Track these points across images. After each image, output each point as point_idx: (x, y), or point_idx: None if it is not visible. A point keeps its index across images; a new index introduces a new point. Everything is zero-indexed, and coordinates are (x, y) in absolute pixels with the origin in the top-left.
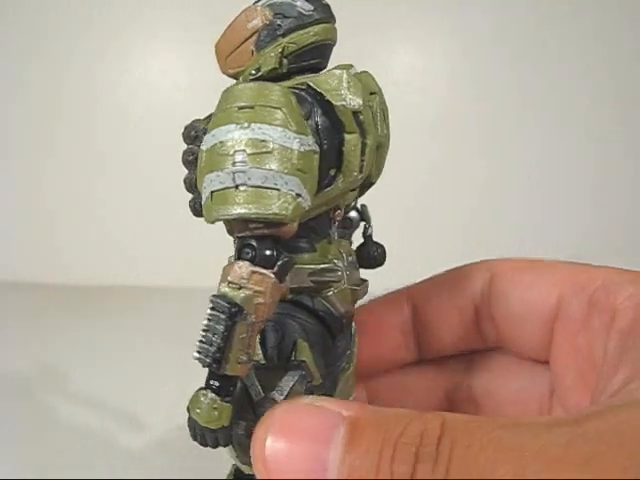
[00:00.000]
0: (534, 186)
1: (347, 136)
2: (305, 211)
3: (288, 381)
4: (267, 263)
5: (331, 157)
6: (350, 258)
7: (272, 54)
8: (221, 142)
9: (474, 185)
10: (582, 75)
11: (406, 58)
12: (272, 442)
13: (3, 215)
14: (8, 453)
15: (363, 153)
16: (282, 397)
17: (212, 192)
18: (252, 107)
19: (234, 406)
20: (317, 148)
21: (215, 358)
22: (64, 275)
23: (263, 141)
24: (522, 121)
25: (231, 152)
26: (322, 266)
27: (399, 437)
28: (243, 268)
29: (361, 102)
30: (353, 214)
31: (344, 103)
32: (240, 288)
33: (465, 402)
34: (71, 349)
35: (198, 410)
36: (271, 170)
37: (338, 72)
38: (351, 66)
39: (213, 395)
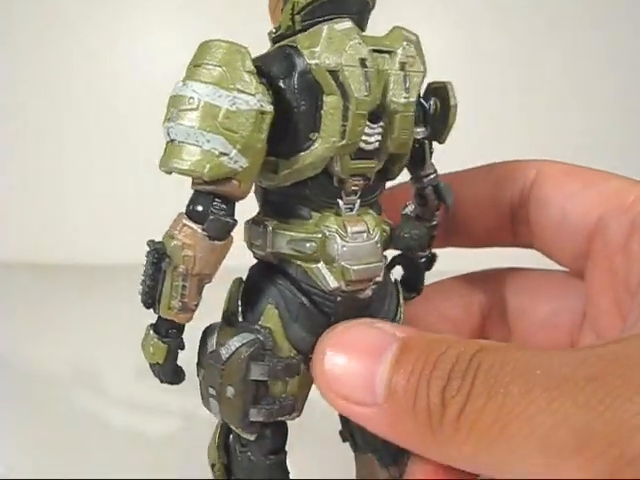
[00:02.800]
0: None
1: (326, 98)
2: (237, 171)
3: (237, 341)
4: (197, 218)
5: (310, 119)
6: (368, 234)
7: (286, 12)
8: (170, 97)
9: None
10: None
11: None
12: (331, 355)
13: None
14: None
15: (345, 118)
16: (226, 355)
17: (166, 143)
18: (199, 65)
19: (173, 348)
20: (268, 108)
21: (144, 298)
22: (61, 254)
23: (191, 98)
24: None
25: (170, 108)
26: (302, 235)
27: (439, 357)
28: (179, 220)
29: (339, 61)
30: (430, 190)
31: (317, 62)
32: (172, 238)
33: (499, 325)
34: (70, 328)
35: (143, 344)
36: (192, 127)
37: (322, 27)
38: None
39: (152, 333)
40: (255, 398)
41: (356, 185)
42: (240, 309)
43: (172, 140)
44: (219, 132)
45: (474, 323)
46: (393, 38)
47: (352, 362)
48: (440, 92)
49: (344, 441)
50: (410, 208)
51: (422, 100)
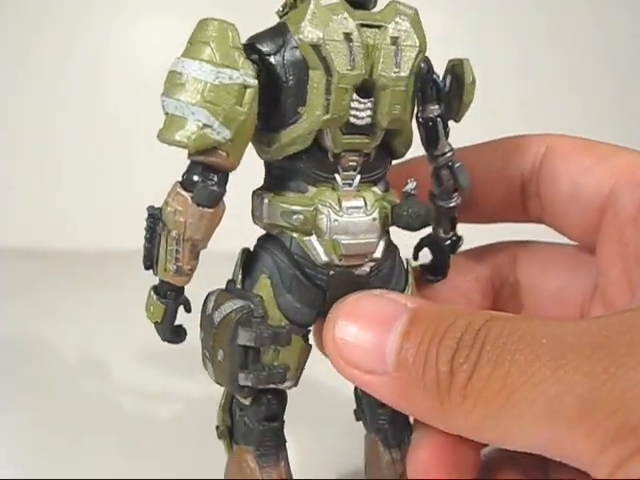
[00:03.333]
0: None
1: (311, 72)
2: (220, 142)
3: (229, 307)
4: (189, 187)
5: (298, 94)
6: (365, 210)
7: None
8: (167, 72)
9: None
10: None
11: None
12: (342, 325)
13: None
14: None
15: (328, 92)
16: (218, 319)
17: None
18: (191, 42)
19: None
20: (251, 82)
21: (144, 261)
22: (59, 240)
23: (180, 74)
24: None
25: (165, 83)
26: (294, 207)
27: (448, 327)
28: (174, 188)
29: (320, 35)
30: (446, 171)
31: (301, 36)
32: (167, 205)
33: (510, 299)
34: (68, 314)
35: (146, 304)
36: (179, 100)
37: (310, 2)
38: None
39: (153, 294)
40: (244, 363)
41: (353, 161)
42: (240, 277)
43: (166, 113)
44: (203, 105)
45: (486, 297)
46: (386, 13)
47: (363, 331)
48: (456, 69)
49: (357, 420)
50: (411, 185)
51: (435, 77)
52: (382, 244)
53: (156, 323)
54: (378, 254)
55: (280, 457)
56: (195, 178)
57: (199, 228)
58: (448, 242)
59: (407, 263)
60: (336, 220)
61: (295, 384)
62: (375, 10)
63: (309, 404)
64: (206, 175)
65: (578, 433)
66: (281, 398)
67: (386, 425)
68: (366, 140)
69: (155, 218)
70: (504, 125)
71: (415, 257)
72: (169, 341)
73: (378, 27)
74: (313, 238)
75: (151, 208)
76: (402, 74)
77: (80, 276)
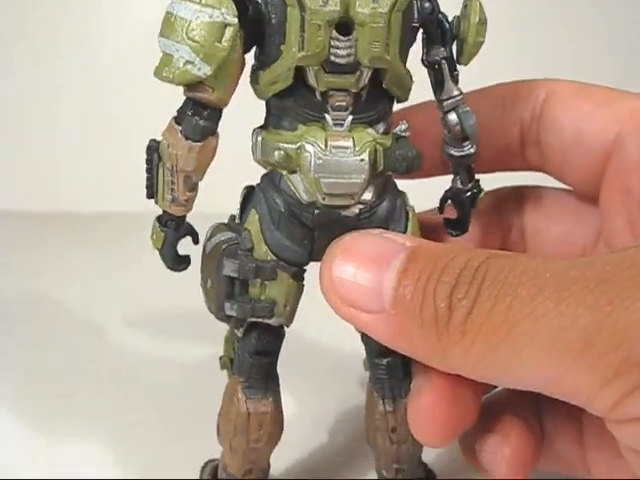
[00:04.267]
0: None
1: (288, 9)
2: (201, 77)
3: (218, 238)
4: (179, 120)
5: (280, 31)
6: (354, 150)
7: None
8: None
9: None
10: None
11: None
12: (339, 263)
13: None
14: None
15: (302, 28)
16: (209, 249)
17: None
18: None
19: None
20: (231, 20)
21: (146, 190)
22: (57, 202)
23: (170, 14)
24: None
25: (161, 24)
26: (279, 144)
27: (447, 264)
28: (169, 122)
29: None
30: (452, 117)
31: None
32: (163, 137)
33: (518, 245)
34: (66, 276)
35: (151, 233)
36: (168, 39)
37: None
38: None
39: (156, 222)
40: (230, 293)
41: (342, 100)
42: (238, 212)
43: (162, 52)
44: (185, 42)
45: (495, 242)
46: None
47: (360, 270)
48: (465, 9)
49: (366, 370)
50: (401, 127)
51: (442, 18)
52: (373, 187)
53: (159, 251)
54: (367, 197)
55: (268, 391)
56: (185, 112)
57: (189, 160)
58: (467, 194)
59: (409, 209)
60: (320, 159)
61: (286, 322)
62: None
63: (309, 355)
64: (196, 110)
65: (580, 367)
66: (274, 334)
67: (384, 376)
68: (351, 79)
69: (152, 150)
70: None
71: (440, 210)
72: (171, 268)
73: None
74: (298, 176)
75: (151, 141)
76: (380, 10)
77: (81, 237)
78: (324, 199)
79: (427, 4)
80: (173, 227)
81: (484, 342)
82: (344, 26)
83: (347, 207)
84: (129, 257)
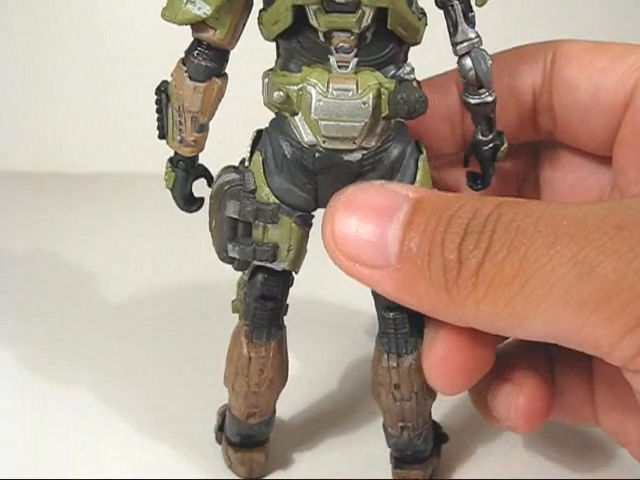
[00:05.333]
0: None
1: None
2: (201, 17)
3: (223, 178)
4: (185, 61)
5: None
6: (356, 93)
7: None
8: None
9: None
10: None
11: None
12: (341, 217)
13: None
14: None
15: None
16: (213, 190)
17: None
18: None
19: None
20: None
21: (158, 130)
22: (56, 163)
23: None
24: None
25: None
26: (284, 86)
27: (454, 213)
28: (177, 63)
29: None
30: (466, 61)
31: None
32: (170, 77)
33: (530, 195)
34: (66, 236)
35: (164, 172)
36: None
37: None
38: None
39: (168, 163)
40: (232, 235)
41: (345, 42)
42: (248, 155)
43: None
44: None
45: (511, 191)
46: None
47: (363, 223)
48: None
49: None
50: (404, 69)
51: None
52: (377, 132)
53: (170, 190)
54: (370, 142)
55: (272, 337)
56: (191, 53)
57: (194, 101)
58: (488, 147)
59: (420, 158)
60: (319, 100)
61: (291, 268)
62: None
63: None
64: (200, 51)
65: (600, 318)
66: (280, 280)
67: (390, 330)
68: (352, 19)
69: (160, 90)
70: None
71: (465, 163)
72: (182, 208)
73: None
74: (299, 117)
75: (162, 81)
76: None
77: (77, 196)
78: (324, 142)
79: None
80: (183, 167)
81: (497, 294)
82: None
83: (349, 152)
84: (126, 214)
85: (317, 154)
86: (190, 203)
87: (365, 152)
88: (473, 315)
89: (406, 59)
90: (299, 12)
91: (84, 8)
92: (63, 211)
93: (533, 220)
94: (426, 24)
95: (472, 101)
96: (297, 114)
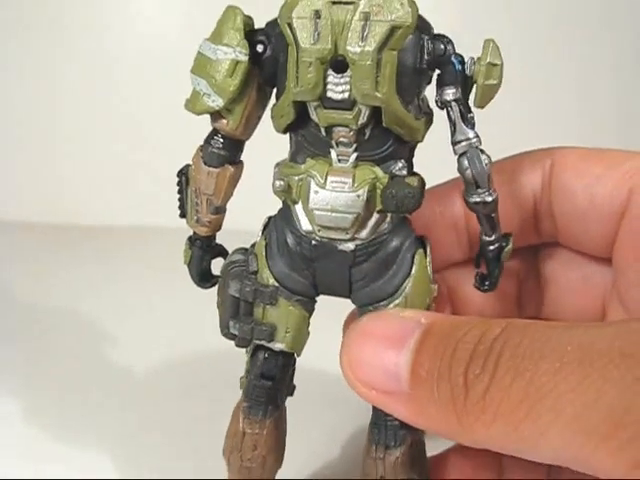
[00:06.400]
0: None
1: (289, 48)
2: (214, 108)
3: (231, 258)
4: (202, 146)
5: (285, 69)
6: (352, 186)
7: None
8: None
9: None
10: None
11: None
12: (356, 346)
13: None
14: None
15: (297, 65)
16: (222, 269)
17: None
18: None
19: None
20: (243, 58)
21: (179, 209)
22: (65, 215)
23: (198, 52)
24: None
25: None
26: (287, 176)
27: (461, 338)
28: (197, 148)
29: (292, 14)
30: (463, 161)
31: (280, 17)
32: (191, 162)
33: (533, 292)
34: (73, 288)
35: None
36: (194, 74)
37: None
38: None
39: (187, 241)
40: (235, 312)
41: (344, 137)
42: (257, 238)
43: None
44: (204, 76)
45: (511, 290)
46: None
47: (377, 352)
48: (483, 51)
49: None
50: (396, 165)
51: (453, 58)
52: (371, 225)
53: (187, 266)
54: (363, 234)
55: (268, 415)
56: (208, 141)
57: (209, 185)
58: (492, 247)
59: (418, 253)
60: (317, 192)
61: (290, 349)
62: None
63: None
64: (215, 139)
65: (608, 449)
66: (281, 360)
67: (381, 422)
68: (349, 115)
69: (182, 173)
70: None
71: (475, 264)
72: (197, 284)
73: (350, 3)
74: (299, 206)
75: (185, 165)
76: (367, 48)
77: (82, 248)
78: (319, 231)
79: (439, 45)
80: (199, 246)
81: (505, 419)
82: (340, 64)
83: (343, 241)
84: (129, 269)
85: (314, 242)
86: (205, 280)
87: (359, 243)
88: (484, 438)
89: (412, 155)
90: (302, 108)
91: (109, 67)
92: (72, 264)
93: (539, 345)
94: (430, 122)
95: (471, 200)
96: (297, 203)
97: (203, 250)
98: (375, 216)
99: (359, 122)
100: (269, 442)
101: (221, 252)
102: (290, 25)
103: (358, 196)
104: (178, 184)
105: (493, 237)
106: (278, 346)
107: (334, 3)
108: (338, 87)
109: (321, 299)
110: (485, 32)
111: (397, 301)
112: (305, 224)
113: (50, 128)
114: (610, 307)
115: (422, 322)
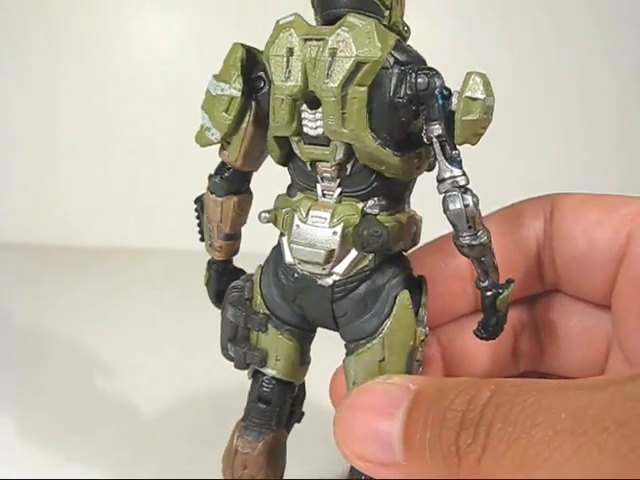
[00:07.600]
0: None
1: (271, 85)
2: (213, 141)
3: (235, 282)
4: (209, 176)
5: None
6: (329, 222)
7: None
8: None
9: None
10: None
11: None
12: (348, 420)
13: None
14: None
15: (272, 102)
16: (226, 293)
17: None
18: None
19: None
20: (237, 94)
21: (199, 234)
22: (59, 236)
23: (207, 89)
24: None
25: None
26: (277, 208)
27: (448, 407)
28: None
29: (269, 52)
30: (444, 201)
31: (262, 54)
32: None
33: (531, 341)
34: (68, 310)
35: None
36: (202, 109)
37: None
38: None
39: (207, 262)
40: (233, 335)
41: (327, 172)
42: None
43: None
44: (207, 111)
45: (507, 340)
46: (334, 26)
47: (368, 424)
48: (462, 84)
49: None
50: (369, 203)
51: (437, 93)
52: (348, 261)
53: (206, 287)
54: (339, 269)
55: (261, 437)
56: (217, 171)
57: (216, 213)
58: (488, 293)
59: (400, 294)
60: (298, 226)
61: (282, 375)
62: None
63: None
64: (220, 170)
65: None
66: (276, 386)
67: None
68: (326, 151)
69: (198, 200)
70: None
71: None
72: (213, 304)
73: (321, 40)
74: (285, 239)
75: (203, 193)
76: (331, 85)
77: (70, 270)
78: (299, 264)
79: (421, 79)
80: (215, 269)
81: None
82: (314, 100)
83: (323, 276)
84: (133, 290)
85: (296, 275)
86: (221, 300)
87: (336, 279)
88: None
89: (406, 192)
90: (289, 143)
91: (119, 95)
92: (72, 286)
93: (531, 412)
94: (425, 157)
95: (457, 243)
96: (284, 235)
97: (219, 273)
98: (353, 253)
99: (336, 158)
100: (259, 463)
101: (238, 275)
102: (268, 62)
103: (334, 232)
104: (196, 210)
105: (486, 283)
106: (269, 372)
107: (306, 40)
108: (312, 123)
109: None
110: (483, 50)
111: (375, 341)
112: (288, 257)
113: (51, 148)
114: (610, 354)
115: (410, 388)
